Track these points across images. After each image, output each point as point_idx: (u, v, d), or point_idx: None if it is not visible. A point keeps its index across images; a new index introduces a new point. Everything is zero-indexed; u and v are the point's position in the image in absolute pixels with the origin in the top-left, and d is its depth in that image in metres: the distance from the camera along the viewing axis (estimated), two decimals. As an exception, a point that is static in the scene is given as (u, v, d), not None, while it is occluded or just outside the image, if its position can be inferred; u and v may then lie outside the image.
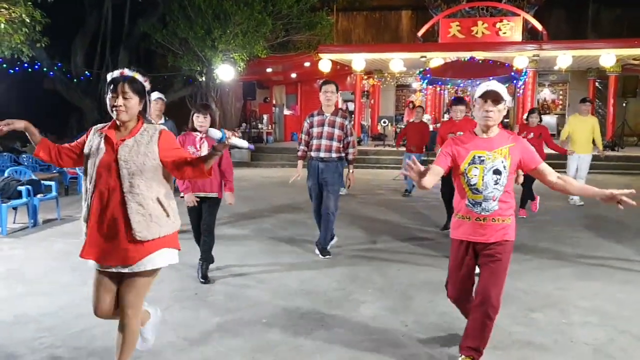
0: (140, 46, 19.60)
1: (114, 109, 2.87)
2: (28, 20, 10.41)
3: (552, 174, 3.26)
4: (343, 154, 5.98)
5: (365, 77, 20.13)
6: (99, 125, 3.03)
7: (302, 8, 17.20)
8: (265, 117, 21.19)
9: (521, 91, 16.38)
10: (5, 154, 12.12)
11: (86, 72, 18.36)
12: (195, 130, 5.05)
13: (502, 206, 3.23)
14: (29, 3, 10.49)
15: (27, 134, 2.94)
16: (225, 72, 16.39)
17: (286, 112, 22.49)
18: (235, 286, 5.03)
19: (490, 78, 12.90)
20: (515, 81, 13.40)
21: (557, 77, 20.64)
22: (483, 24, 17.74)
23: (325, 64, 17.47)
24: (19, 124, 2.87)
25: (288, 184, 12.15)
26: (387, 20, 25.78)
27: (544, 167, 3.27)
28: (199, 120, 4.99)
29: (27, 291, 4.88)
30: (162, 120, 7.42)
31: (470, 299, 3.43)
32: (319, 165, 5.93)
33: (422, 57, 17.15)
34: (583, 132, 9.18)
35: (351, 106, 20.69)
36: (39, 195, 7.87)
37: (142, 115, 3.00)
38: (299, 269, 5.61)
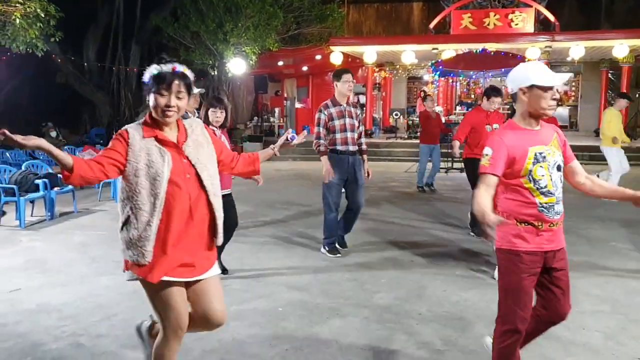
0: (152, 40, 19.74)
1: (166, 109, 2.51)
2: (43, 15, 10.54)
3: (582, 174, 2.89)
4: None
5: (377, 69, 20.11)
6: (132, 128, 2.57)
7: (313, 1, 17.23)
8: (276, 110, 21.27)
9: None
10: (21, 148, 12.29)
11: (99, 65, 18.53)
12: (209, 124, 5.07)
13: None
14: (43, -2, 10.64)
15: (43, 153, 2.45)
16: (237, 66, 16.47)
17: (298, 105, 22.53)
18: (251, 277, 5.12)
19: (503, 70, 12.88)
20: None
21: (570, 68, 20.49)
22: (495, 15, 17.65)
23: (336, 56, 17.49)
24: (30, 142, 2.31)
25: (300, 178, 12.31)
26: (398, 12, 25.68)
27: (576, 164, 2.90)
28: (216, 114, 4.97)
29: (48, 282, 4.99)
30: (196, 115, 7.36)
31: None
32: (349, 160, 5.66)
33: (433, 49, 17.11)
34: (620, 124, 9.22)
35: (362, 99, 20.71)
36: (55, 189, 8.00)
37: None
38: (313, 259, 5.68)
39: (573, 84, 21.17)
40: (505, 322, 2.81)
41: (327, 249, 5.83)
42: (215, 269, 2.76)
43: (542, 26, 18.05)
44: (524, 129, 2.77)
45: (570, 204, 8.51)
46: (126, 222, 2.56)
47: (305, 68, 21.08)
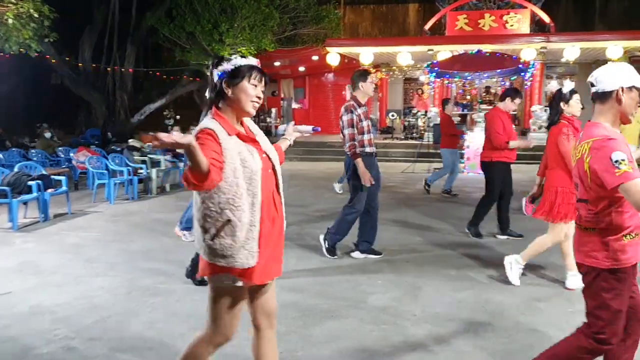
0: (147, 40, 19.70)
1: (257, 100, 2.51)
2: (36, 15, 10.49)
3: None
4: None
5: (373, 70, 20.12)
6: (214, 126, 2.42)
7: (309, 1, 17.24)
8: (273, 110, 21.24)
9: (529, 83, 16.32)
10: (14, 149, 12.23)
11: (94, 66, 18.47)
12: None
13: None
14: (37, -2, 10.59)
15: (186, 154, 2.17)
16: (233, 66, 16.41)
17: (294, 105, 22.52)
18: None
19: (498, 71, 12.89)
20: (523, 73, 13.36)
21: (565, 69, 20.52)
22: (490, 16, 17.66)
23: (333, 57, 17.48)
24: (182, 140, 2.04)
25: (296, 178, 12.27)
26: (394, 14, 25.71)
27: None
28: None
29: (41, 283, 4.96)
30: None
31: None
32: (374, 161, 5.67)
33: (429, 50, 17.11)
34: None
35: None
36: (49, 190, 7.96)
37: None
38: (308, 261, 5.66)
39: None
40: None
41: (329, 246, 5.78)
42: None
43: (537, 27, 18.06)
44: (615, 133, 2.56)
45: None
46: (224, 227, 2.41)
47: (302, 69, 21.07)
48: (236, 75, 2.46)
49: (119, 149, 12.67)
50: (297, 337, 3.79)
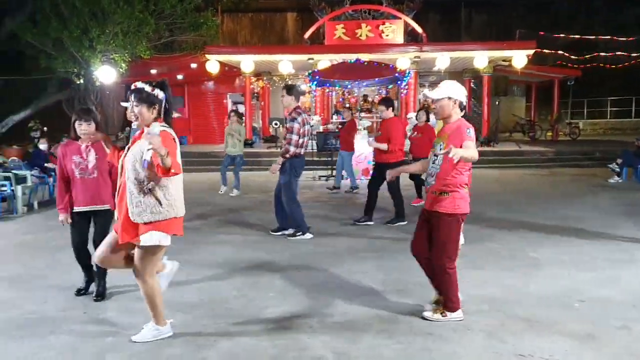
0: (7, 47, 18.06)
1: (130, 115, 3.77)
2: None
3: None
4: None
5: (254, 79, 20.01)
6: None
7: (186, 8, 16.75)
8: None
9: (405, 91, 17.05)
10: None
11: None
12: (78, 138, 4.65)
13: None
14: None
15: None
16: (106, 74, 15.52)
17: (174, 114, 21.75)
18: (129, 299, 4.72)
19: (376, 80, 13.30)
20: (399, 82, 13.88)
21: (437, 78, 21.72)
22: (367, 26, 18.27)
23: (213, 65, 17.15)
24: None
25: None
26: (273, 22, 25.85)
27: None
28: (82, 128, 4.58)
29: None
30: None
31: None
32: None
33: (309, 59, 17.33)
34: None
35: (241, 108, 20.48)
36: None
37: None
38: (196, 276, 5.39)
39: (439, 92, 22.47)
40: None
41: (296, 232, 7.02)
42: None
43: (410, 37, 18.97)
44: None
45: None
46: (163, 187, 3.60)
47: (180, 77, 20.44)
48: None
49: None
50: (189, 361, 3.56)
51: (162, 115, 3.67)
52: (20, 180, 9.84)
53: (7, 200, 9.30)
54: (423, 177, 4.07)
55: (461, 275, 4.49)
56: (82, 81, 16.30)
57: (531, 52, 16.85)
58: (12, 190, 9.27)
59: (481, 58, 16.72)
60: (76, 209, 4.66)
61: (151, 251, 3.65)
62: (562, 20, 26.53)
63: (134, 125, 3.32)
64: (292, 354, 3.64)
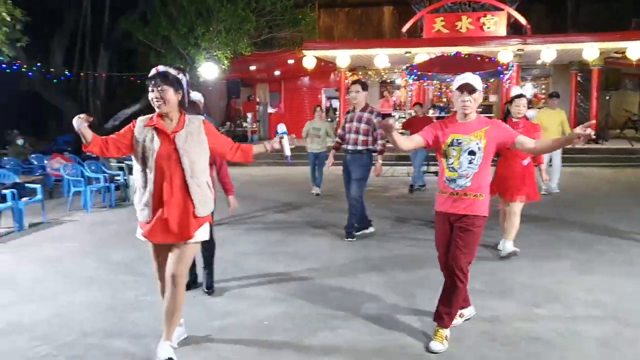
0: (121, 45, 19.29)
1: (153, 101, 3.39)
2: (8, 19, 10.13)
3: (530, 142, 3.63)
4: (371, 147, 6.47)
5: (349, 73, 20.07)
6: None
7: (285, 5, 17.06)
8: (249, 115, 21.03)
9: (507, 85, 16.43)
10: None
11: (66, 71, 17.99)
12: None
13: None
14: (9, 1, 10.19)
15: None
16: (209, 70, 16.19)
17: (270, 110, 22.32)
18: (233, 289, 4.92)
19: (477, 73, 12.90)
20: (501, 75, 13.41)
21: (540, 71, 20.76)
22: (467, 18, 17.74)
23: (309, 60, 17.37)
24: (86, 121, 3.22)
25: (275, 182, 12.12)
26: (369, 17, 25.74)
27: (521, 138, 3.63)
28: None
29: (18, 299, 4.72)
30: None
31: None
32: (346, 157, 6.60)
33: (406, 52, 17.11)
34: (552, 124, 9.46)
35: (335, 103, 20.63)
36: (23, 199, 7.67)
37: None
38: (295, 268, 5.52)
39: (543, 86, 21.45)
40: None
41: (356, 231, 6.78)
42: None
43: (513, 29, 18.22)
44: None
45: (547, 208, 8.38)
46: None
47: (277, 72, 20.88)
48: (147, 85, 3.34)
49: (94, 155, 12.29)
50: (290, 349, 3.65)
51: (185, 103, 3.45)
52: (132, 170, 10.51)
53: (121, 188, 9.96)
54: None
55: (569, 279, 4.31)
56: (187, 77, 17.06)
57: (648, 42, 15.64)
58: (125, 179, 9.91)
59: (591, 50, 15.73)
60: None
61: (196, 248, 3.52)
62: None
63: (160, 110, 3.35)
64: (394, 349, 3.63)
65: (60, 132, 19.33)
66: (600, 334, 3.83)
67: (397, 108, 20.11)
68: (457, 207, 3.63)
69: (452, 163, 3.61)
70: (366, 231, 6.82)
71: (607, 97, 18.19)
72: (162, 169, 3.27)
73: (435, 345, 3.57)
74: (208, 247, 4.83)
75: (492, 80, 14.93)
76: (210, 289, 4.79)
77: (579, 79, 19.27)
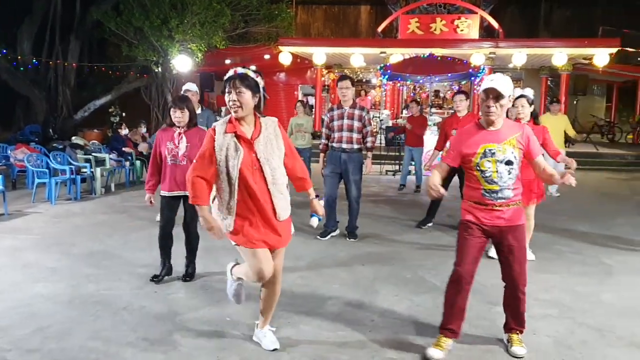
0: (92, 35, 18.97)
1: (230, 104, 3.23)
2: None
3: (548, 168, 3.54)
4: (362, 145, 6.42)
5: (326, 71, 20.08)
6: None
7: (261, 0, 17.02)
8: (223, 109, 20.82)
9: (478, 88, 16.63)
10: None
11: (34, 60, 17.60)
12: (173, 125, 4.83)
13: None
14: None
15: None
16: (182, 63, 16.05)
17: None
18: (196, 283, 4.90)
19: (449, 75, 13.05)
20: (473, 78, 13.58)
21: (512, 75, 21.04)
22: (441, 20, 17.93)
23: (285, 56, 17.33)
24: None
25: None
26: (346, 15, 25.80)
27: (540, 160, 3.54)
28: (176, 115, 4.74)
29: (-26, 290, 4.61)
30: (199, 110, 6.99)
31: None
32: (341, 156, 6.39)
33: (382, 52, 17.20)
34: (555, 129, 9.59)
35: (311, 100, 20.62)
36: (-16, 189, 7.49)
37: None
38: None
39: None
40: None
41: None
42: None
43: (486, 33, 18.47)
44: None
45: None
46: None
47: (253, 68, 20.67)
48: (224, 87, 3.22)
49: (61, 146, 12.06)
50: (251, 346, 3.65)
51: (260, 107, 3.35)
52: (100, 162, 10.36)
53: (87, 181, 9.80)
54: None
55: (529, 278, 4.35)
56: (160, 69, 16.89)
57: (614, 50, 16.00)
58: (92, 172, 9.76)
59: (560, 56, 16.03)
60: (167, 193, 4.83)
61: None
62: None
63: (237, 115, 3.21)
64: (354, 345, 3.65)
65: (26, 122, 18.88)
66: (555, 332, 3.92)
67: (372, 107, 20.20)
68: (499, 218, 3.43)
69: (489, 175, 3.39)
70: (334, 233, 6.72)
71: (575, 102, 18.56)
72: (245, 178, 3.18)
73: (519, 349, 3.57)
74: (192, 240, 5.03)
75: (463, 82, 15.11)
76: (189, 278, 4.95)
77: (549, 83, 19.63)
